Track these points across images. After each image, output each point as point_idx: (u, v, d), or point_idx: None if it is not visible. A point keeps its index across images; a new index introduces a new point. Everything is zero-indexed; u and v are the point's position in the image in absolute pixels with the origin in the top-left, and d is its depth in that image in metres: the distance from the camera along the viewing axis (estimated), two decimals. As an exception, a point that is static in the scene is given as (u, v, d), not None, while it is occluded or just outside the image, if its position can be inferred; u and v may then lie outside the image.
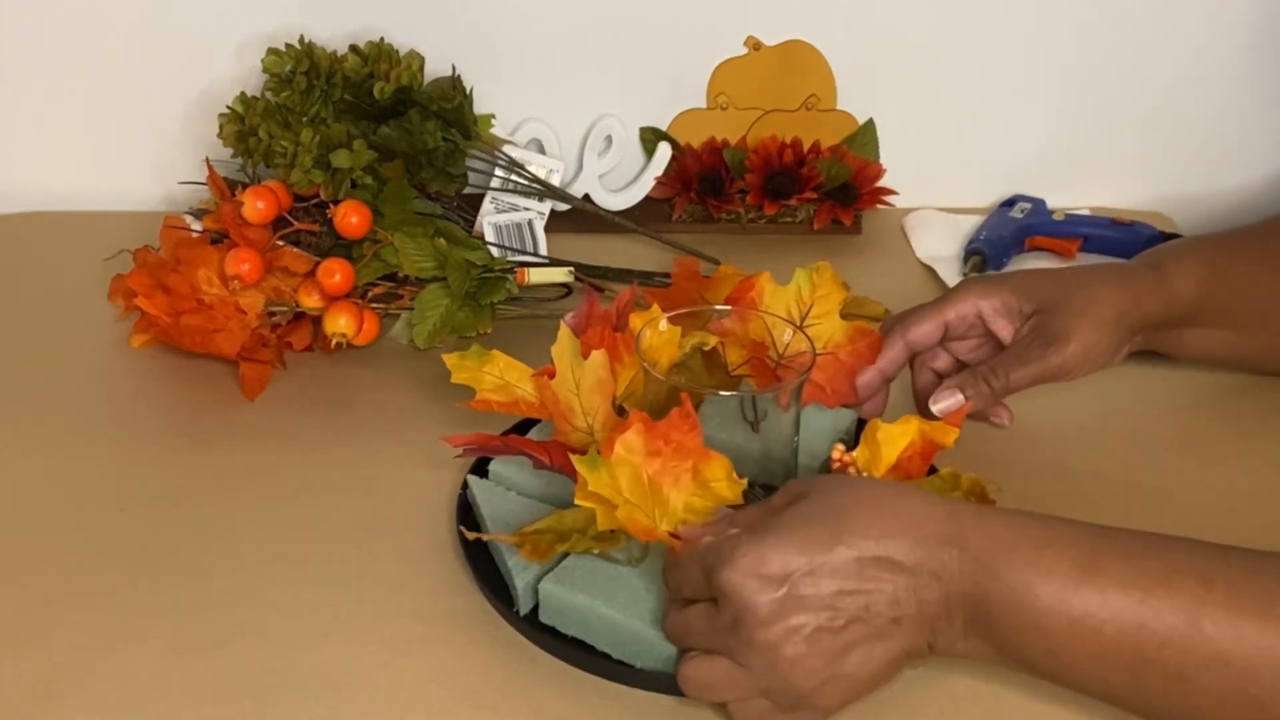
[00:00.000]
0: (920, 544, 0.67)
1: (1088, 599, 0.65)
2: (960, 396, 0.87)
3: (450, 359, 0.87)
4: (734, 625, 0.67)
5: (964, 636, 0.68)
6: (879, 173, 1.22)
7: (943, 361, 0.93)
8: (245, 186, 1.01)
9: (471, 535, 0.80)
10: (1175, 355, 0.97)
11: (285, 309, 1.00)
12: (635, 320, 0.87)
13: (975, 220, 1.21)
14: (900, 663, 0.69)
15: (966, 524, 0.67)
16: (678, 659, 0.72)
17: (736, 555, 0.67)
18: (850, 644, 0.67)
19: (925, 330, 0.90)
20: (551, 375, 0.84)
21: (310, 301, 0.99)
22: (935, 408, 0.87)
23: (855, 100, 1.23)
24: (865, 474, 0.81)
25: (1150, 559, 0.66)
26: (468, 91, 1.09)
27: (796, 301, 0.90)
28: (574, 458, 0.73)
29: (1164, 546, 0.67)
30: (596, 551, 0.77)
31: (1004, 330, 0.90)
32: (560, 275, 1.05)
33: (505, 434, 0.88)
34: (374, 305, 1.02)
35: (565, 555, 0.79)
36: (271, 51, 1.05)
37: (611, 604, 0.75)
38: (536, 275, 1.05)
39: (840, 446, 0.79)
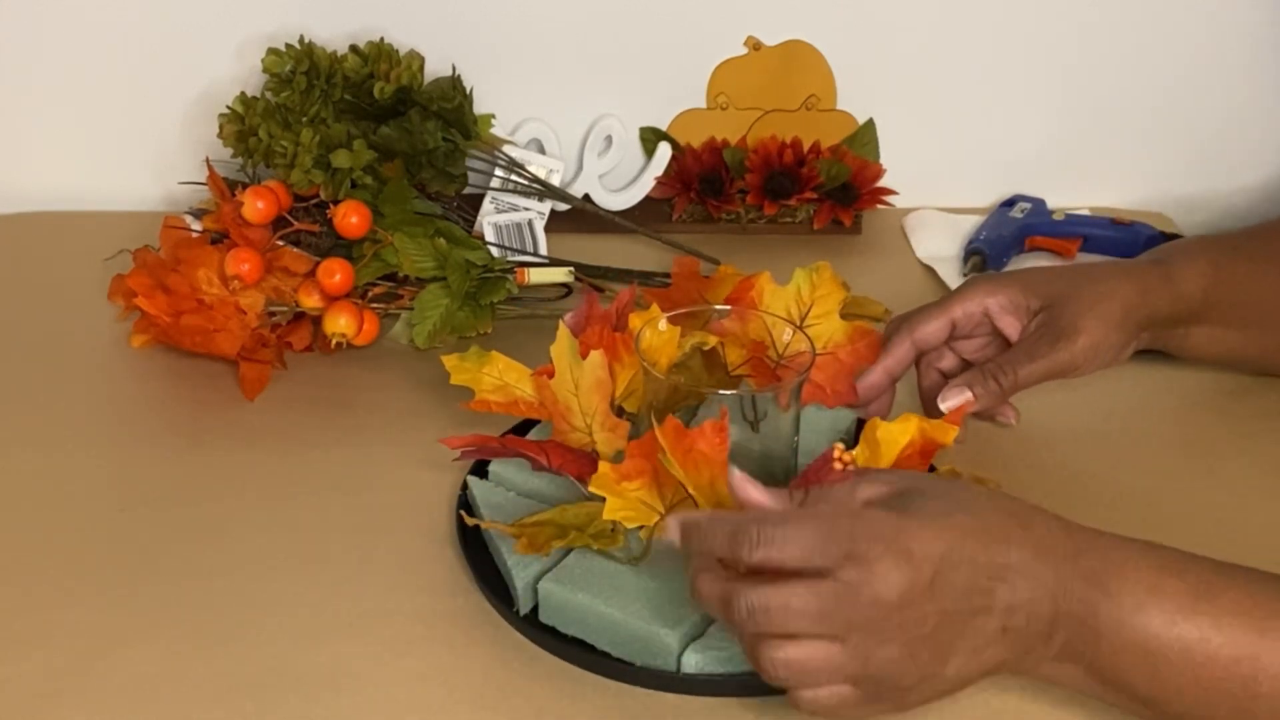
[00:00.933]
0: (1045, 556, 0.65)
1: (1202, 625, 0.64)
2: (969, 394, 0.86)
3: (449, 360, 0.87)
4: (865, 602, 0.63)
5: (1058, 658, 0.66)
6: (879, 173, 1.22)
7: (949, 361, 0.92)
8: (245, 186, 1.01)
9: (471, 521, 0.80)
10: (1181, 354, 0.96)
11: (285, 309, 1.00)
12: (635, 320, 0.87)
13: (975, 220, 1.20)
14: (989, 673, 0.67)
15: (1083, 541, 0.66)
16: (738, 639, 0.67)
17: (883, 527, 0.63)
18: (960, 645, 0.65)
19: (933, 329, 0.90)
20: (550, 375, 0.84)
21: (310, 301, 0.99)
22: (944, 405, 0.86)
23: (855, 100, 1.23)
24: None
25: (1268, 591, 0.65)
26: (468, 91, 1.09)
27: (796, 301, 0.90)
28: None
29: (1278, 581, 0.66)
30: (596, 549, 0.77)
31: (1011, 327, 0.89)
32: (560, 275, 1.05)
33: (505, 435, 0.88)
34: (374, 305, 1.02)
35: (565, 555, 0.79)
36: (271, 51, 1.05)
37: (611, 603, 0.75)
38: (536, 275, 1.05)
39: (840, 446, 0.79)
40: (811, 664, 0.64)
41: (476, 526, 0.83)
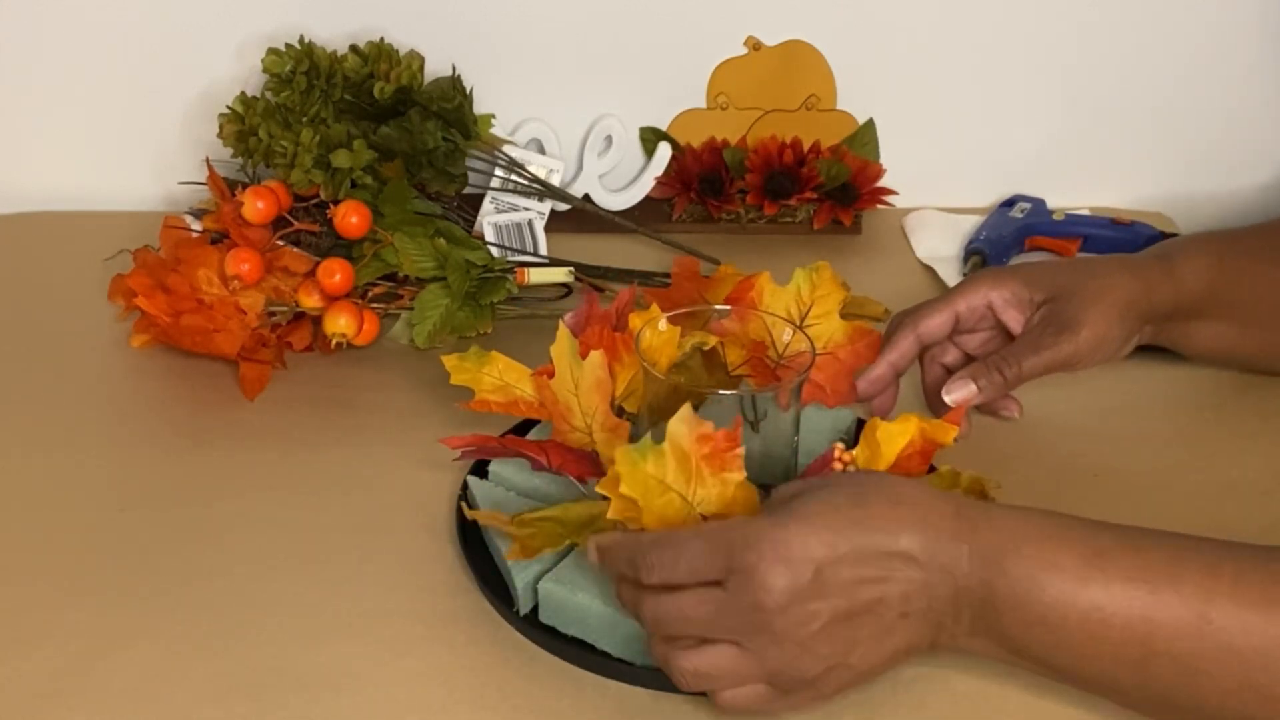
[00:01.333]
0: (933, 539, 0.67)
1: (1095, 593, 0.65)
2: (974, 386, 0.87)
3: (449, 360, 0.87)
4: (750, 609, 0.66)
5: (969, 634, 0.68)
6: (879, 173, 1.22)
7: (952, 356, 0.92)
8: (245, 186, 1.01)
9: (471, 514, 0.80)
10: (1182, 349, 0.96)
11: (285, 309, 1.00)
12: (635, 320, 0.87)
13: (975, 220, 1.21)
14: (901, 657, 0.69)
15: (975, 519, 0.67)
16: (649, 648, 0.70)
17: (761, 538, 0.66)
18: (859, 635, 0.67)
19: (937, 322, 0.90)
20: (550, 375, 0.84)
21: (310, 301, 0.99)
22: (949, 398, 0.87)
23: (855, 100, 1.23)
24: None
25: (1157, 552, 0.66)
26: (468, 91, 1.10)
27: (796, 301, 0.90)
28: (621, 450, 0.73)
29: (1170, 540, 0.67)
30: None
31: (1014, 321, 0.89)
32: (560, 275, 1.05)
33: (505, 435, 0.88)
34: (374, 305, 1.02)
35: (565, 555, 0.79)
36: (271, 51, 1.05)
37: (611, 603, 0.75)
38: (536, 275, 1.05)
39: (840, 445, 0.79)
40: (714, 667, 0.68)
41: (476, 526, 0.83)
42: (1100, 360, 0.89)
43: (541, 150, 1.19)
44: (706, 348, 0.85)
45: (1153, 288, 0.90)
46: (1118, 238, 1.16)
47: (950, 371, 0.91)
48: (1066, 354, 0.87)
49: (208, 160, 1.05)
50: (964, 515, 0.68)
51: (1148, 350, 1.01)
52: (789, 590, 0.65)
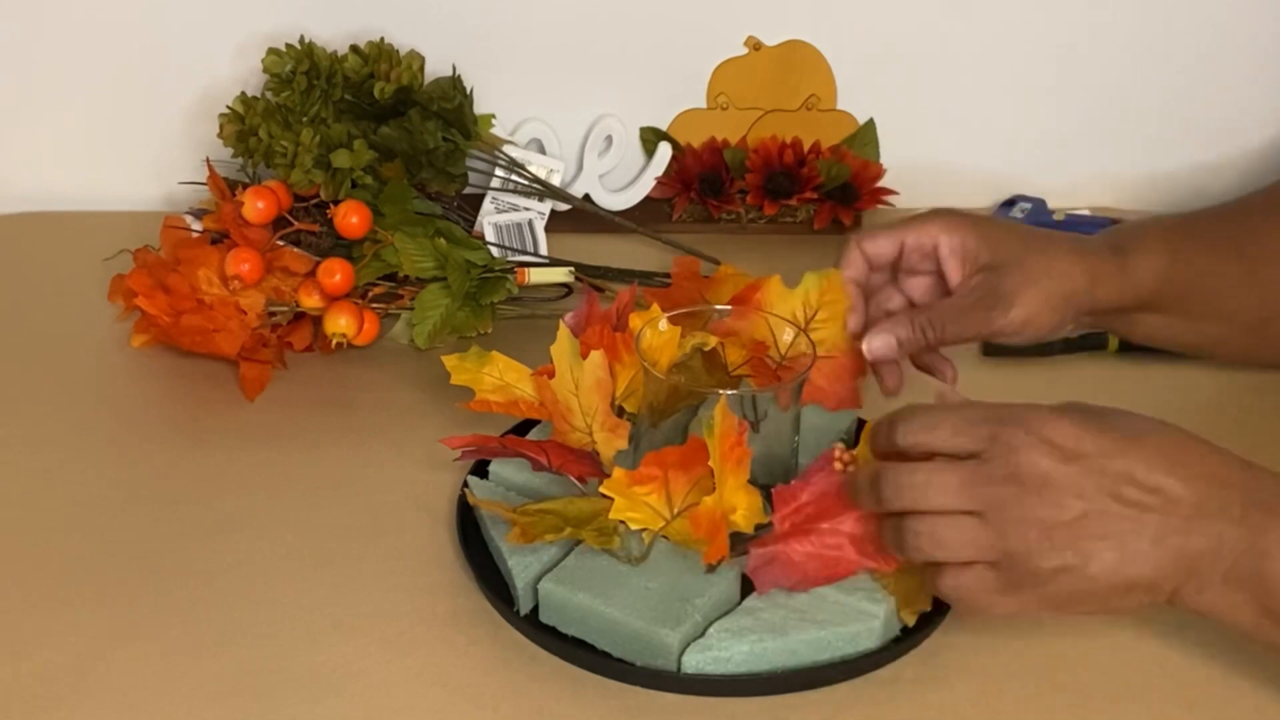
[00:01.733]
0: (1204, 487, 0.67)
1: None
2: (892, 340, 0.85)
3: (449, 360, 0.87)
4: (1003, 480, 0.66)
5: (1223, 584, 0.67)
6: (879, 173, 1.22)
7: (896, 302, 0.91)
8: (245, 186, 1.01)
9: (474, 500, 0.80)
10: (1124, 336, 0.97)
11: (285, 309, 1.00)
12: (635, 320, 0.87)
13: (975, 220, 1.20)
14: (1139, 593, 0.68)
15: (1250, 470, 0.68)
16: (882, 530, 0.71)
17: (1034, 417, 0.67)
18: (1105, 544, 0.66)
19: (882, 245, 0.88)
20: (551, 375, 0.84)
21: (310, 301, 0.99)
22: (866, 346, 0.85)
23: (855, 100, 1.23)
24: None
25: None
26: (468, 91, 1.09)
27: (804, 305, 0.89)
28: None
29: None
30: (597, 548, 0.77)
31: (954, 272, 0.87)
32: (560, 275, 1.05)
33: (505, 435, 0.88)
34: (374, 305, 1.02)
35: (565, 555, 0.79)
36: (271, 51, 1.05)
37: (611, 603, 0.75)
38: (536, 275, 1.05)
39: (840, 446, 0.79)
40: (949, 536, 0.67)
41: (477, 527, 0.83)
42: (1027, 340, 0.88)
43: (542, 150, 1.19)
44: (707, 348, 0.85)
45: (1100, 283, 0.88)
46: (1118, 238, 1.16)
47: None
48: (993, 329, 0.86)
49: (208, 160, 1.05)
50: (1234, 464, 0.68)
51: (1147, 350, 1.01)
52: (1049, 471, 0.66)
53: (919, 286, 0.90)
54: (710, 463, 0.75)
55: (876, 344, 0.85)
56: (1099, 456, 0.66)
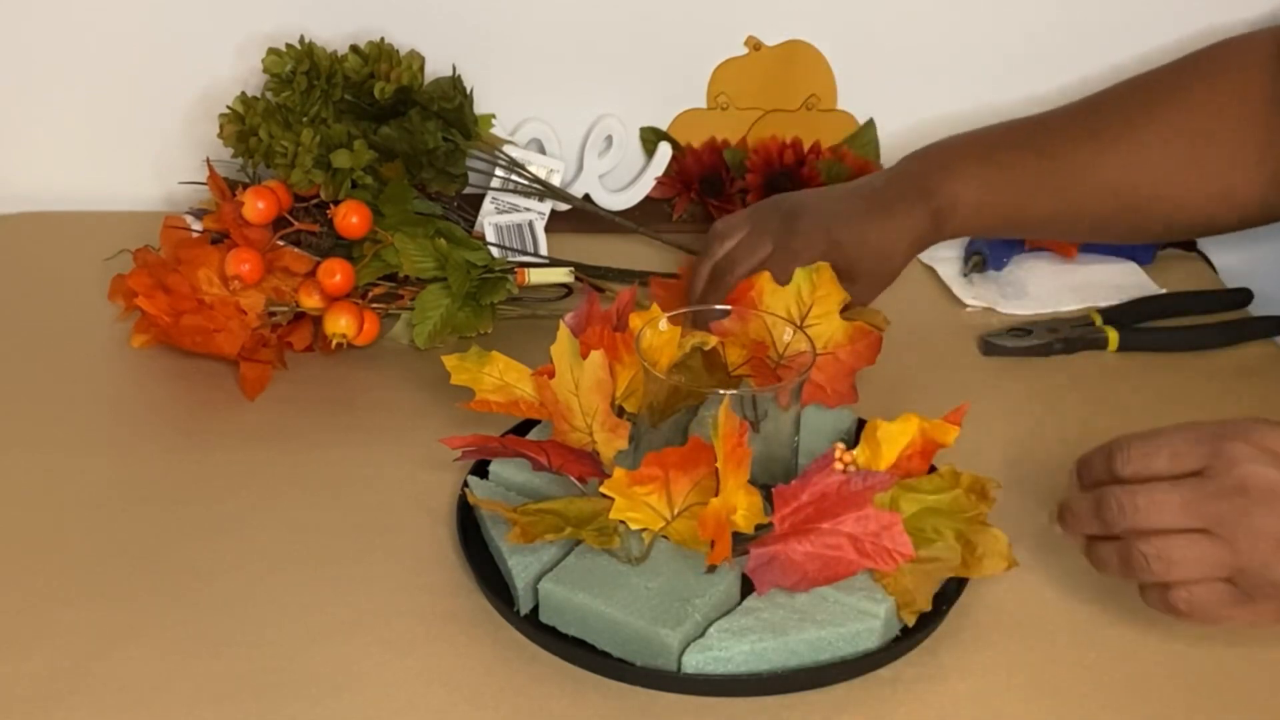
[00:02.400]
0: None
1: None
2: None
3: (450, 360, 0.87)
4: (1230, 493, 0.66)
5: None
6: (879, 173, 1.22)
7: None
8: (245, 186, 1.01)
9: (474, 500, 0.80)
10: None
11: (285, 309, 1.00)
12: (635, 320, 0.87)
13: (975, 220, 1.20)
14: None
15: None
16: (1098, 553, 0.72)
17: (1249, 428, 0.67)
18: None
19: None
20: (551, 375, 0.84)
21: (310, 301, 0.99)
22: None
23: (855, 100, 1.23)
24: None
25: None
26: (468, 91, 1.09)
27: (796, 302, 0.90)
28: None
29: None
30: (597, 548, 0.77)
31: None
32: (560, 275, 1.05)
33: (505, 435, 0.88)
34: (374, 305, 1.01)
35: (565, 555, 0.79)
36: (272, 51, 1.05)
37: (611, 603, 0.75)
38: (537, 275, 1.05)
39: (840, 445, 0.79)
40: (1181, 554, 0.68)
41: (477, 527, 0.83)
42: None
43: (542, 150, 1.19)
44: (707, 348, 0.85)
45: (922, 241, 0.96)
46: (1118, 238, 1.16)
47: None
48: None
49: (208, 160, 1.05)
50: None
51: (1147, 350, 1.01)
52: (1275, 481, 0.66)
53: None
54: (717, 464, 0.75)
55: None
56: None
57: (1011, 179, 0.96)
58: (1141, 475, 0.69)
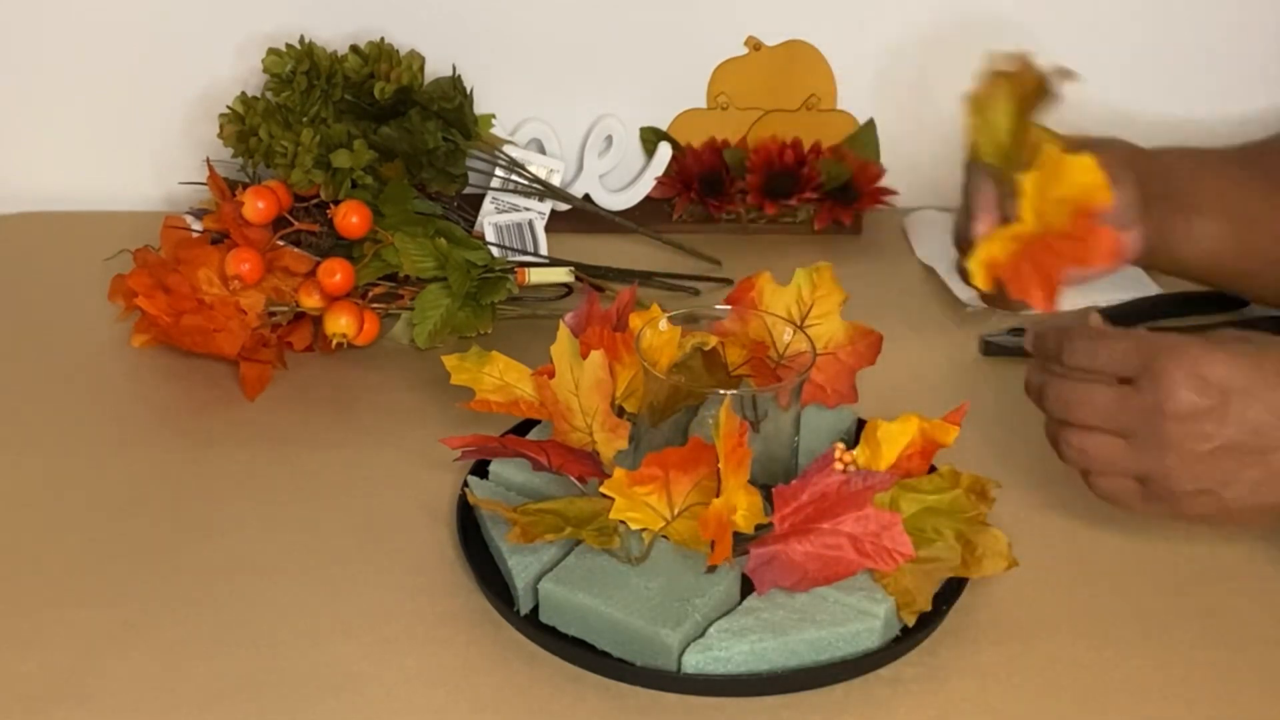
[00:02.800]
0: None
1: None
2: None
3: (450, 360, 0.87)
4: (1149, 410, 0.72)
5: None
6: (879, 173, 1.22)
7: None
8: (245, 186, 1.01)
9: (474, 499, 0.80)
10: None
11: (285, 309, 1.00)
12: (635, 320, 0.87)
13: (975, 220, 1.20)
14: (1271, 515, 0.73)
15: None
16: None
17: (1185, 350, 0.71)
18: (1242, 474, 0.71)
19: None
20: (551, 375, 0.84)
21: (310, 301, 0.99)
22: None
23: (855, 100, 1.23)
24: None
25: None
26: (468, 91, 1.09)
27: (797, 302, 0.90)
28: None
29: None
30: (597, 548, 0.77)
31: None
32: (560, 275, 1.05)
33: (505, 435, 0.88)
34: (374, 305, 1.02)
35: (565, 555, 0.79)
36: (272, 52, 1.05)
37: (611, 603, 0.75)
38: (537, 275, 1.05)
39: (840, 446, 0.79)
40: (1097, 453, 0.75)
41: (478, 527, 0.83)
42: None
43: (542, 150, 1.19)
44: (707, 348, 0.85)
45: (1165, 239, 0.90)
46: (1118, 238, 1.16)
47: None
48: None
49: (208, 160, 1.05)
50: None
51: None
52: (1194, 405, 0.71)
53: None
54: (720, 464, 0.75)
55: None
56: (1245, 392, 0.70)
57: (1250, 198, 0.93)
58: (1080, 368, 0.75)
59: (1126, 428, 0.73)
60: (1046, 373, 0.77)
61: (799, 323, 0.88)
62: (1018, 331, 1.05)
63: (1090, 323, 0.78)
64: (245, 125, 1.04)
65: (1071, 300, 1.10)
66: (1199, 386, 0.71)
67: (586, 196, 1.21)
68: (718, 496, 0.75)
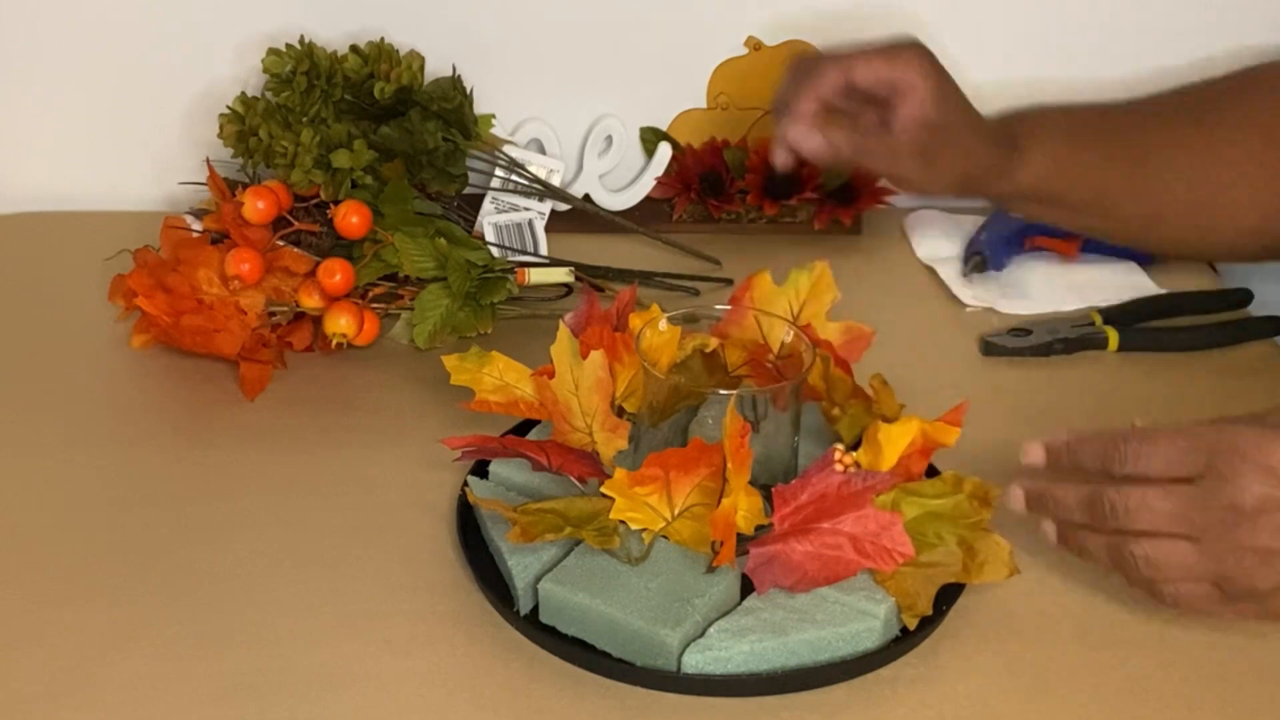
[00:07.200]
0: None
1: None
2: (824, 144, 0.92)
3: (450, 361, 0.87)
4: (1220, 508, 0.67)
5: None
6: (879, 173, 1.22)
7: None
8: (245, 186, 1.01)
9: (474, 499, 0.81)
10: (1003, 208, 1.03)
11: (285, 309, 1.00)
12: (635, 320, 0.87)
13: (976, 220, 1.20)
14: None
15: None
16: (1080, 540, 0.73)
17: (1252, 443, 0.67)
18: None
19: (864, 73, 0.92)
20: (550, 375, 0.84)
21: (310, 301, 0.99)
22: (802, 137, 0.92)
23: (855, 100, 1.23)
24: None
25: None
26: (468, 91, 1.10)
27: (794, 301, 0.90)
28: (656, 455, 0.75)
29: None
30: (597, 548, 0.77)
31: (905, 117, 0.91)
32: (560, 275, 1.06)
33: (505, 435, 0.88)
34: (374, 305, 1.02)
35: (565, 555, 0.79)
36: (271, 51, 1.05)
37: (611, 603, 0.75)
38: (537, 275, 1.05)
39: (840, 447, 0.79)
40: (1167, 560, 0.70)
41: (477, 527, 0.83)
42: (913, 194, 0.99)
43: (542, 150, 1.19)
44: (707, 349, 0.85)
45: (996, 177, 0.94)
46: (1118, 238, 1.16)
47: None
48: (907, 182, 0.94)
49: (208, 160, 1.05)
50: None
51: (1147, 350, 1.01)
52: (1265, 498, 0.67)
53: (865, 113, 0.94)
54: (726, 464, 0.75)
55: (813, 143, 0.91)
56: None
57: (1089, 144, 0.96)
58: (1135, 476, 0.70)
59: (1196, 529, 0.69)
60: (1087, 486, 0.72)
61: (798, 323, 0.88)
62: (1018, 331, 1.05)
63: (1135, 425, 0.74)
64: (245, 125, 1.04)
65: (1072, 300, 1.11)
66: (1267, 478, 0.67)
67: (586, 196, 1.21)
68: (723, 497, 0.75)
